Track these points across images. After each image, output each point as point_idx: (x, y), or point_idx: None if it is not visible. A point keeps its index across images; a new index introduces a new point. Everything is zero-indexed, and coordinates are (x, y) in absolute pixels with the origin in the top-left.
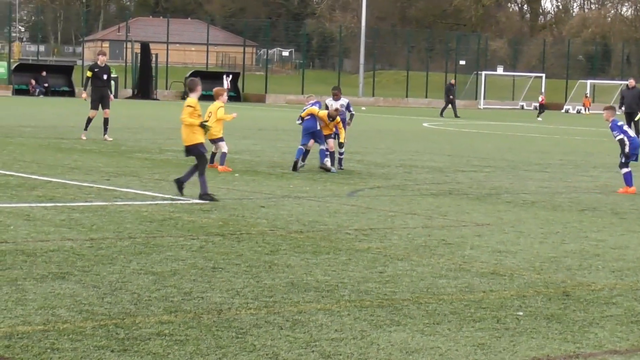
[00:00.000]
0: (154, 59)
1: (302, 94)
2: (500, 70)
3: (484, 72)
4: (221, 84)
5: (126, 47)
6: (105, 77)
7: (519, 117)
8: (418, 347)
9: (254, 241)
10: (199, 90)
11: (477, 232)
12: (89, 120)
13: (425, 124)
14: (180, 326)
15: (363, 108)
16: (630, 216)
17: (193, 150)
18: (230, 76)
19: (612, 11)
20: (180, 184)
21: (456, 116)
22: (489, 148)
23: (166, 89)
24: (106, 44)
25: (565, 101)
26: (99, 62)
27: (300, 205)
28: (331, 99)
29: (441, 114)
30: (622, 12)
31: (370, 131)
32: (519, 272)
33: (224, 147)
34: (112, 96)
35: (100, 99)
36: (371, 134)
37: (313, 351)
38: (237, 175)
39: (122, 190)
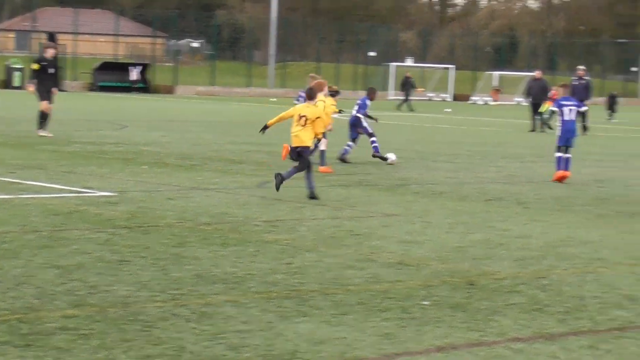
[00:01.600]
0: (61, 50)
1: (213, 85)
2: (409, 62)
3: (393, 64)
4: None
5: (32, 38)
6: (52, 70)
7: (427, 109)
8: (325, 338)
9: (162, 234)
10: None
11: (385, 223)
12: (44, 114)
13: (335, 116)
14: (85, 320)
15: (274, 99)
16: (534, 206)
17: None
18: (140, 67)
19: (519, 4)
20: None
21: (411, 110)
22: (398, 139)
23: (74, 80)
24: (12, 34)
25: (472, 92)
26: (47, 56)
27: (209, 197)
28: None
29: (399, 108)
30: (529, 5)
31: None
32: (425, 262)
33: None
34: (56, 90)
35: (47, 92)
36: (281, 126)
37: (220, 343)
38: (145, 167)
39: (28, 183)
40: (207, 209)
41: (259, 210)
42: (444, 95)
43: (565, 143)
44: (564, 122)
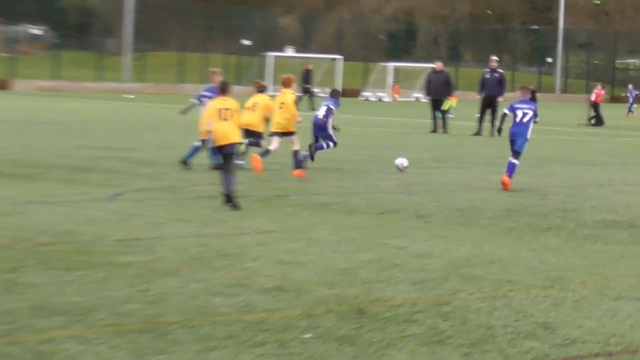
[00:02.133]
0: None
1: (57, 78)
2: (290, 52)
3: (271, 54)
4: None
5: None
6: None
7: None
8: None
9: None
10: None
11: (260, 241)
12: None
13: None
14: None
15: (131, 96)
16: (435, 219)
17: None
18: None
19: None
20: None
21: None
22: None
23: None
24: None
25: (364, 87)
26: None
27: (50, 212)
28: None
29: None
30: None
31: (138, 123)
32: (307, 286)
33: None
34: None
35: None
36: (138, 127)
37: None
38: None
39: None
40: (47, 226)
41: (110, 228)
42: (328, 89)
43: (518, 148)
44: (514, 124)
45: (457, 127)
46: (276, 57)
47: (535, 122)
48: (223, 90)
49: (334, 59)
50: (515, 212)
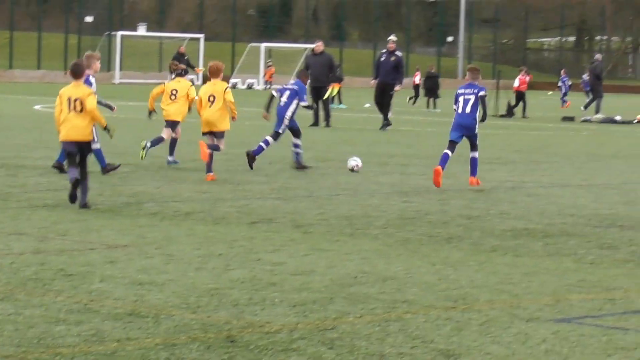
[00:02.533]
0: None
1: None
2: (142, 30)
3: (119, 33)
4: None
5: None
6: None
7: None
8: None
9: None
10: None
11: (110, 258)
12: None
13: (37, 107)
14: None
15: None
16: (317, 229)
17: None
18: None
19: None
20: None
21: None
22: (127, 140)
23: None
24: None
25: (232, 72)
26: None
27: None
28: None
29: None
30: None
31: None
32: (167, 311)
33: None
34: None
35: None
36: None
37: None
38: None
39: None
40: None
41: None
42: (191, 76)
43: (456, 138)
44: (456, 114)
45: (343, 120)
46: (125, 36)
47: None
48: (75, 74)
49: (194, 39)
50: (411, 221)
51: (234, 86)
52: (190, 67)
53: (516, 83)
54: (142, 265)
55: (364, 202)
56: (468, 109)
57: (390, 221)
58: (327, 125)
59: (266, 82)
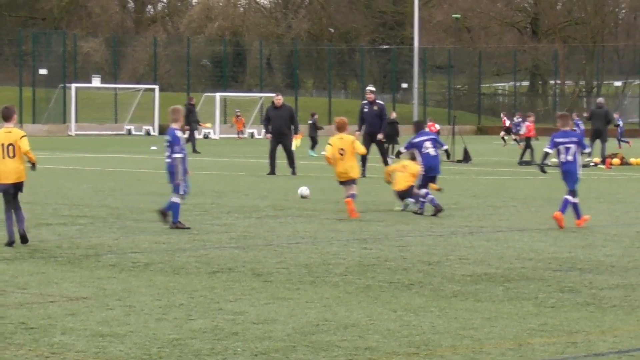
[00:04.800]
0: None
1: None
2: (97, 82)
3: (74, 85)
4: None
5: None
6: None
7: (126, 146)
8: None
9: None
10: None
11: (71, 310)
12: None
13: None
14: None
15: None
16: (277, 278)
17: None
18: None
19: None
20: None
21: (195, 151)
22: (83, 191)
23: None
24: None
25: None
26: None
27: None
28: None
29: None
30: (257, 0)
31: None
32: None
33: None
34: None
35: None
36: None
37: None
38: None
39: None
40: None
41: None
42: (147, 126)
43: (572, 186)
44: (561, 164)
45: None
46: (80, 88)
47: (583, 153)
48: (5, 117)
49: (148, 90)
50: (370, 267)
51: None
52: (196, 121)
53: (523, 130)
54: (103, 317)
55: (323, 250)
56: (570, 157)
57: (350, 268)
58: (293, 173)
59: (239, 132)
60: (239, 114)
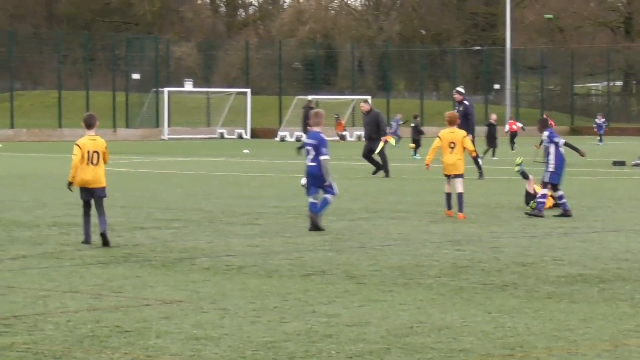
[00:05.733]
0: None
1: None
2: (189, 86)
3: (166, 89)
4: None
5: None
6: None
7: (218, 150)
8: None
9: None
10: None
11: (165, 313)
12: None
13: None
14: None
15: None
16: (371, 280)
17: None
18: None
19: (336, 1)
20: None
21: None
22: (177, 194)
23: None
24: None
25: (280, 125)
26: None
27: None
28: None
29: None
30: (349, 2)
31: (9, 177)
32: None
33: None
34: None
35: None
36: (10, 182)
37: None
38: None
39: None
40: None
41: None
42: (239, 130)
43: None
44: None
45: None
46: (172, 92)
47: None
48: (89, 125)
49: (240, 93)
50: (464, 269)
51: (282, 139)
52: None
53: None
54: (197, 320)
55: (416, 252)
56: None
57: (443, 270)
58: (387, 175)
59: (338, 134)
60: (338, 117)
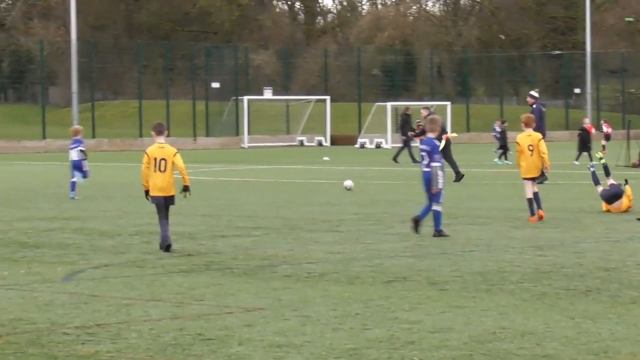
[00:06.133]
0: None
1: None
2: (268, 94)
3: (245, 97)
4: None
5: None
6: None
7: (298, 157)
8: None
9: None
10: None
11: (247, 321)
12: None
13: None
14: None
15: None
16: (453, 286)
17: None
18: None
19: (414, 7)
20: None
21: (415, 160)
22: (258, 203)
23: None
24: None
25: (360, 132)
26: None
27: None
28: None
29: None
30: (428, 8)
31: (92, 187)
32: None
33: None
34: None
35: None
36: (93, 192)
37: None
38: None
39: None
40: None
41: (68, 313)
42: (319, 137)
43: None
44: None
45: (470, 176)
46: (252, 100)
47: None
48: (158, 132)
49: (320, 101)
50: (547, 274)
51: (362, 146)
52: (411, 130)
53: None
54: (280, 328)
55: (497, 257)
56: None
57: (525, 275)
58: (458, 179)
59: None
60: (420, 123)
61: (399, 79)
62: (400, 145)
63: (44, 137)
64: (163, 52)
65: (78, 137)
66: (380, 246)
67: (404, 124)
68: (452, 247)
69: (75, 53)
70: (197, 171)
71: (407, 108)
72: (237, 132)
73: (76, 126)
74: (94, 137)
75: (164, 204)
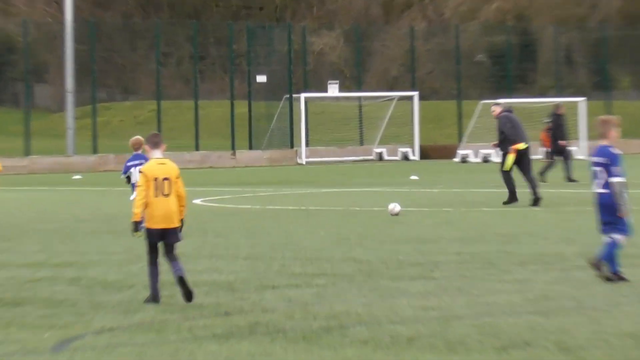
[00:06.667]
0: None
1: None
2: (334, 90)
3: (302, 95)
4: None
5: None
6: None
7: (376, 176)
8: None
9: None
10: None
11: None
12: None
13: (197, 200)
14: None
15: (78, 176)
16: (593, 353)
17: None
18: None
19: None
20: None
21: (570, 179)
22: (321, 239)
23: None
24: None
25: (459, 141)
26: None
27: None
28: None
29: None
30: None
31: (93, 221)
32: None
33: None
34: None
35: None
36: (95, 227)
37: None
38: None
39: None
40: None
41: None
42: (404, 148)
43: None
44: None
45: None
46: (311, 99)
47: None
48: (154, 144)
49: (404, 98)
50: None
51: (463, 160)
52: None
53: None
54: None
55: None
56: None
57: None
58: (510, 200)
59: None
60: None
61: (513, 67)
62: (548, 158)
63: (28, 154)
64: (190, 35)
65: (140, 152)
66: (492, 298)
67: (557, 127)
68: (591, 299)
69: (71, 38)
70: (237, 197)
71: (558, 106)
72: (292, 143)
73: (137, 137)
74: (95, 152)
75: (162, 240)
